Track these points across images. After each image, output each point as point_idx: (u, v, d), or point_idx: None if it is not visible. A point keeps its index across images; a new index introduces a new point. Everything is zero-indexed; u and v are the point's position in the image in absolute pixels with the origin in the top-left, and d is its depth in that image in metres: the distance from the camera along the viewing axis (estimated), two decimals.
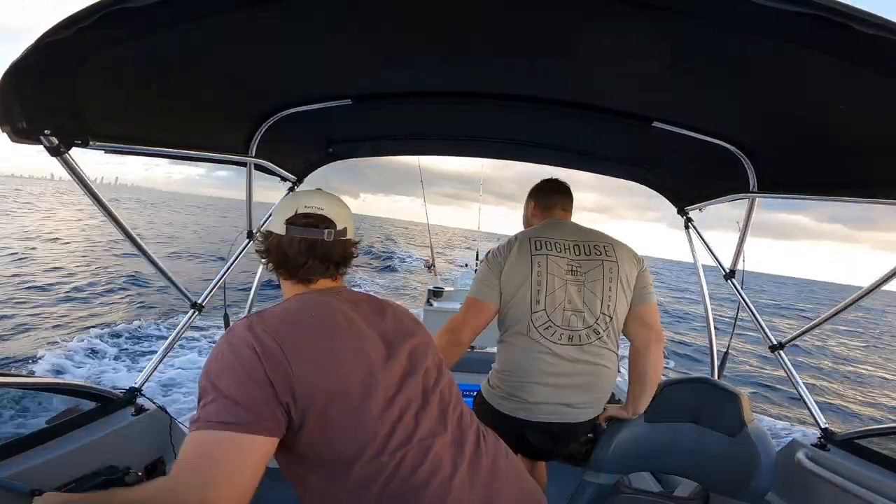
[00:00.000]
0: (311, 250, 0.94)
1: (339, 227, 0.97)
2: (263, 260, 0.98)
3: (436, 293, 5.37)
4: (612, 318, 1.47)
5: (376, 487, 0.77)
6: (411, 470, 0.79)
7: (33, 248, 15.68)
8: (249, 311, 2.26)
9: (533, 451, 1.59)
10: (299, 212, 0.95)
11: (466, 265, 4.37)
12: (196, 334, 7.35)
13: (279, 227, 0.95)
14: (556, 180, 1.72)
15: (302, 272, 0.95)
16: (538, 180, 1.75)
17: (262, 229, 1.09)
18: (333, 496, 0.80)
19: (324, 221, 0.95)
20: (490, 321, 1.53)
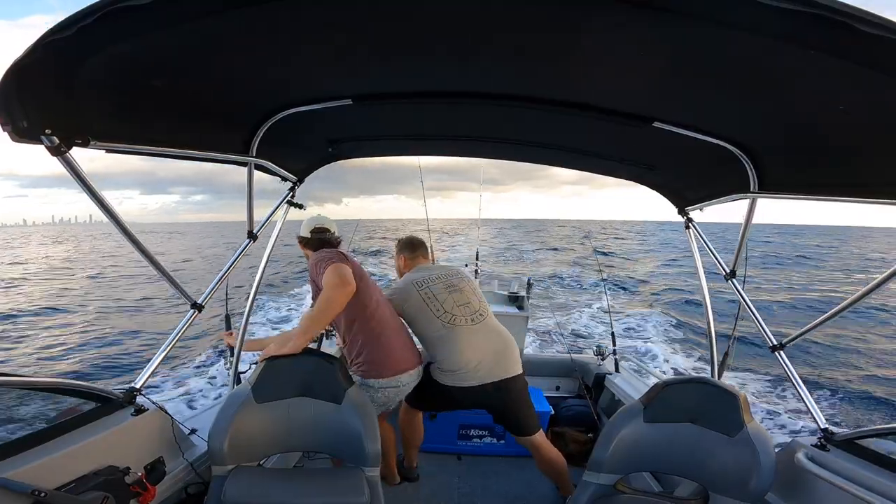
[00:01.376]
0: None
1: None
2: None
3: None
4: (486, 307, 2.20)
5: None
6: None
7: None
8: (249, 311, 2.26)
9: (475, 408, 2.15)
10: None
11: (466, 265, 4.36)
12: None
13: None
14: (414, 238, 2.44)
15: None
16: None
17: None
18: None
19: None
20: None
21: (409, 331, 2.16)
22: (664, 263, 24.31)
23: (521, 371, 2.11)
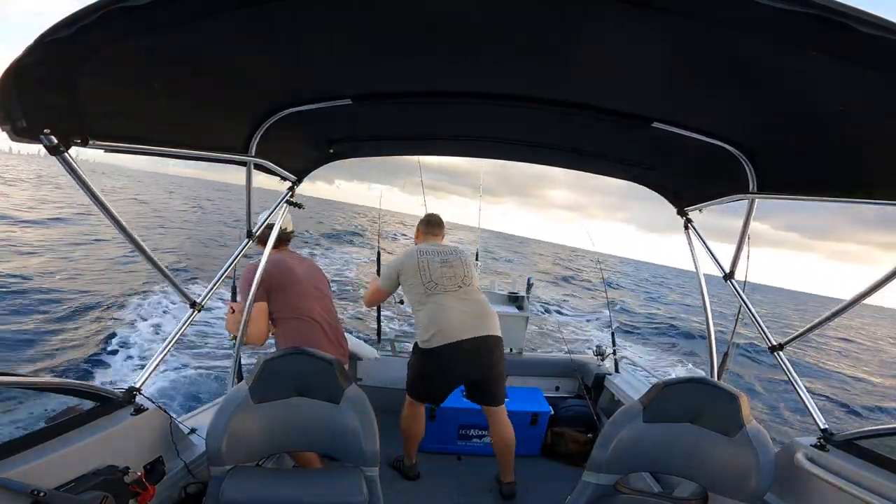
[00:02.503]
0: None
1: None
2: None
3: None
4: (471, 279, 2.44)
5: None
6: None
7: None
8: (249, 311, 2.26)
9: (461, 372, 2.33)
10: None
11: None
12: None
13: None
14: (434, 216, 2.68)
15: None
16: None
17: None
18: None
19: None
20: (384, 299, 2.69)
21: (335, 327, 2.34)
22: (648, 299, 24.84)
23: (496, 333, 2.34)
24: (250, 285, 2.05)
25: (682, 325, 16.13)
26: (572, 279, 29.74)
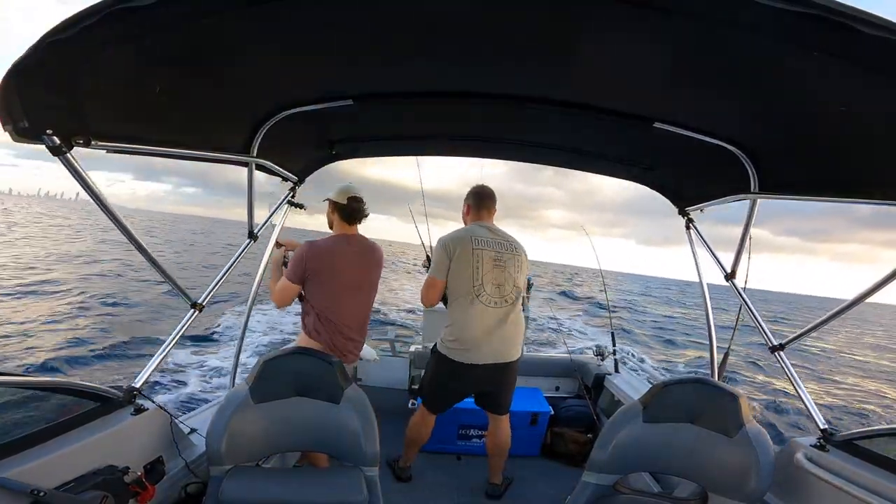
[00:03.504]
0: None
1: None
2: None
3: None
4: (518, 291, 2.23)
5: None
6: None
7: None
8: (249, 311, 2.26)
9: (476, 389, 2.30)
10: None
11: None
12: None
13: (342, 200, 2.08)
14: (484, 188, 2.33)
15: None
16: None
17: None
18: None
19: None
20: (443, 290, 2.24)
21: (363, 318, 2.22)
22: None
23: (517, 357, 2.27)
24: (297, 263, 2.00)
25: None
26: (574, 295, 29.66)
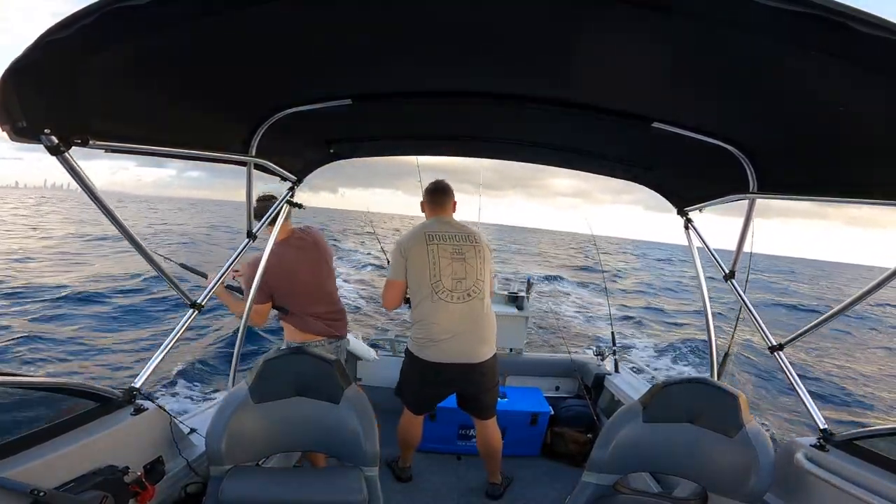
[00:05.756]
0: None
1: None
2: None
3: None
4: (483, 283, 2.17)
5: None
6: None
7: None
8: (249, 312, 2.26)
9: (450, 390, 2.27)
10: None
11: None
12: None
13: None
14: (440, 183, 2.33)
15: None
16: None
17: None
18: None
19: None
20: (404, 291, 2.23)
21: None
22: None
23: (489, 356, 2.19)
24: (250, 283, 2.12)
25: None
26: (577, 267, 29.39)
